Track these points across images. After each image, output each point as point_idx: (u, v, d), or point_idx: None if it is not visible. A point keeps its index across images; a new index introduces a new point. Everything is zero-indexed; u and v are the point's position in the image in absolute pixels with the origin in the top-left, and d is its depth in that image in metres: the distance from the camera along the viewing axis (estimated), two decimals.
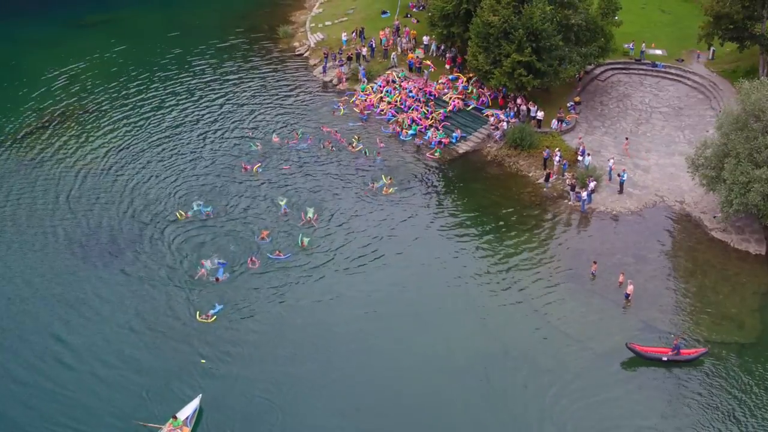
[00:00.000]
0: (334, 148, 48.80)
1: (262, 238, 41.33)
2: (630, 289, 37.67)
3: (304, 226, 42.24)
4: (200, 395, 32.49)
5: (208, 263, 39.51)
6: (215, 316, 36.70)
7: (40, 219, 43.30)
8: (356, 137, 49.63)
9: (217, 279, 38.81)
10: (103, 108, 53.61)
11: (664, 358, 34.56)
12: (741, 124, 40.14)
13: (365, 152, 48.34)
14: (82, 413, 32.38)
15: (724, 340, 35.80)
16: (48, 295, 38.24)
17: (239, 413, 32.31)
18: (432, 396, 33.23)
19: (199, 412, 32.09)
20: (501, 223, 43.35)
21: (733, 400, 32.99)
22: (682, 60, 55.90)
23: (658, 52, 56.96)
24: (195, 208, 43.51)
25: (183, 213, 43.24)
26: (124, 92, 55.47)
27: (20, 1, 67.92)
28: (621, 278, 38.58)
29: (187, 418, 31.43)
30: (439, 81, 53.75)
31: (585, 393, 33.32)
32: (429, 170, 47.54)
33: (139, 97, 54.94)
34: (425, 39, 57.73)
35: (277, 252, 40.38)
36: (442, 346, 35.42)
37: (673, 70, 55.28)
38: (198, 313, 36.87)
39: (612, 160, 46.30)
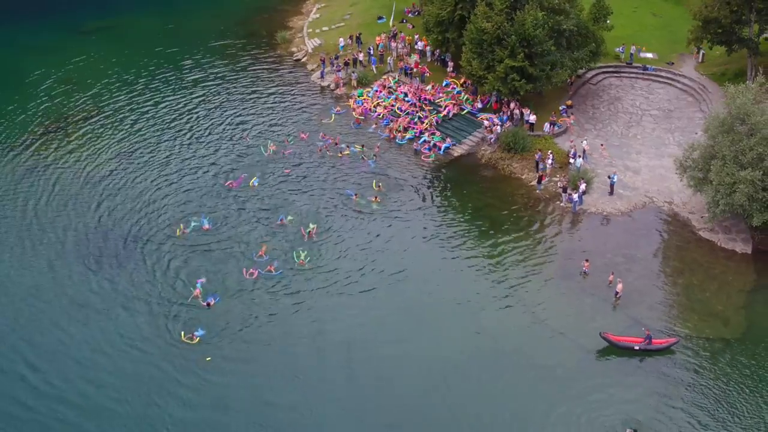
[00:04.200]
0: (330, 153, 49.69)
1: (260, 256, 40.91)
2: (620, 287, 38.74)
3: (307, 242, 41.94)
4: None
5: (200, 283, 38.66)
6: (199, 338, 35.89)
7: (16, 228, 42.65)
8: (361, 146, 50.18)
9: (208, 304, 37.72)
10: (103, 113, 54.26)
11: (636, 347, 35.75)
12: (727, 127, 41.23)
13: (362, 156, 49.27)
14: None
15: (711, 336, 36.91)
16: (15, 314, 37.26)
17: None
18: (428, 396, 33.90)
19: None
20: (494, 224, 44.34)
21: (718, 395, 34.04)
22: (672, 63, 57.02)
23: (649, 55, 58.05)
24: (193, 223, 42.90)
25: (181, 227, 42.68)
26: (123, 97, 56.21)
27: (21, 7, 68.65)
28: (611, 277, 39.64)
29: None
30: (429, 85, 54.74)
31: (577, 387, 34.33)
32: (424, 173, 48.50)
33: (137, 102, 55.67)
34: (419, 44, 58.78)
35: (270, 267, 40.03)
36: (437, 344, 36.25)
37: (663, 73, 56.34)
38: (183, 333, 36.18)
39: (585, 141, 48.32)
